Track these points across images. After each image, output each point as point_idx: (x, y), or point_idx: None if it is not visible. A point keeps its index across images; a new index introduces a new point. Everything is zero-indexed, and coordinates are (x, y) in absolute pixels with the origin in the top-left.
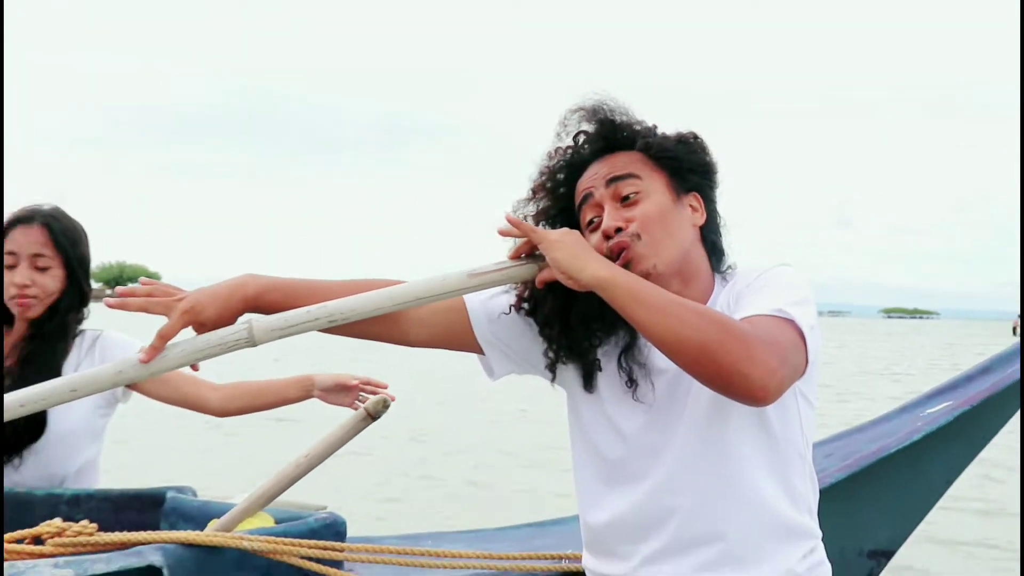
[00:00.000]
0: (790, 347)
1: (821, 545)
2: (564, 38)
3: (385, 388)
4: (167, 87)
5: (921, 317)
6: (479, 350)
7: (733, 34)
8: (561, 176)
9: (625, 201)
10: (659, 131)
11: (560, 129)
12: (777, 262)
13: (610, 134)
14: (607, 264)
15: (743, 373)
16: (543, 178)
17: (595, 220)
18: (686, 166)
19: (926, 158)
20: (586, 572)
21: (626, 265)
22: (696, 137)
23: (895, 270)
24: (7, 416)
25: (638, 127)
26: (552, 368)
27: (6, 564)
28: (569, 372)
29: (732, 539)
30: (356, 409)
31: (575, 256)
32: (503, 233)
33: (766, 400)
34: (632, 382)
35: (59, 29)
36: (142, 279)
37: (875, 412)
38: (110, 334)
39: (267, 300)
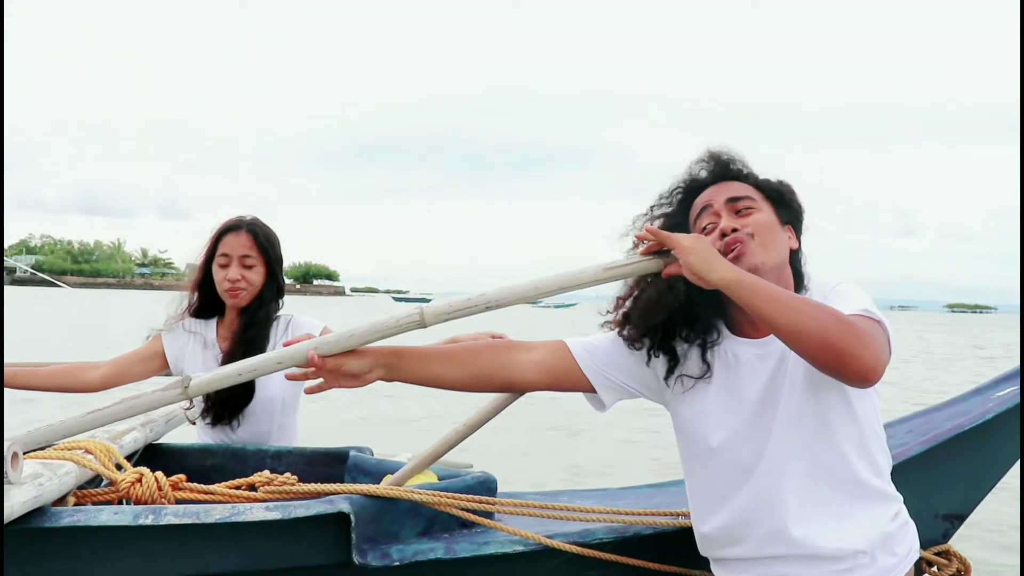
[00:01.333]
0: (883, 339)
1: (904, 508)
2: (685, 70)
3: None
4: (339, 121)
5: (980, 312)
6: (587, 385)
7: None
8: (679, 196)
9: (739, 213)
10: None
11: (690, 165)
12: (840, 279)
13: (728, 165)
14: (733, 267)
15: (857, 356)
16: (667, 196)
17: (709, 226)
18: (784, 204)
19: (970, 175)
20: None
21: (737, 260)
22: (789, 185)
23: (955, 271)
24: (232, 382)
25: (751, 169)
26: (648, 354)
27: (230, 505)
28: (664, 366)
29: (833, 510)
30: None
31: (705, 260)
32: (640, 238)
33: (875, 379)
34: (732, 378)
35: (261, 78)
36: None
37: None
38: (299, 317)
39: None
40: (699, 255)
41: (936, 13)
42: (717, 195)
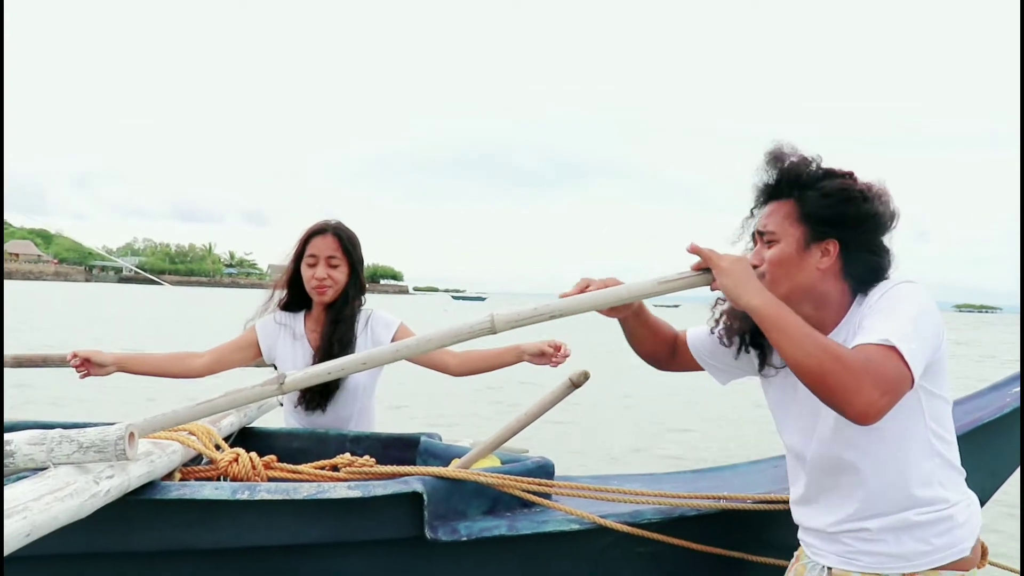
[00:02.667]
0: (893, 375)
1: (948, 504)
2: (708, 89)
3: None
4: (401, 136)
5: (987, 311)
6: (701, 368)
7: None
8: (756, 210)
9: (768, 243)
10: (822, 177)
11: (758, 169)
12: (902, 279)
13: (775, 188)
14: (760, 294)
15: (848, 402)
16: (754, 205)
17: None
18: (823, 220)
19: (977, 184)
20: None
21: None
22: (847, 190)
23: (964, 274)
24: (322, 380)
25: (803, 176)
26: (739, 349)
27: (316, 484)
28: (756, 356)
29: (858, 502)
30: (555, 365)
31: (736, 284)
32: (691, 252)
33: (867, 423)
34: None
35: (338, 96)
36: None
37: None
38: (378, 312)
39: None
40: (733, 278)
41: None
42: (758, 223)
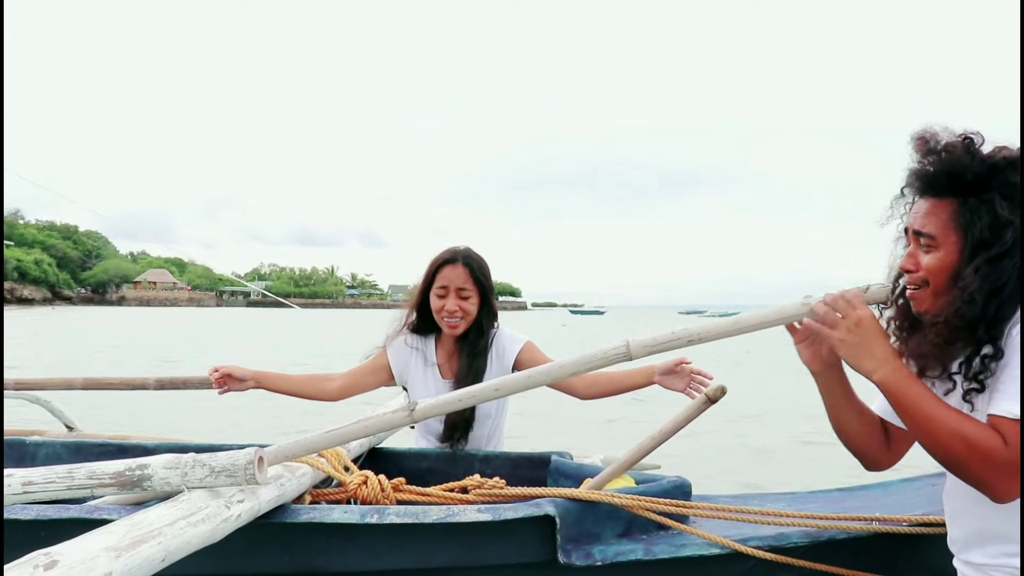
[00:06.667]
0: None
1: None
2: (815, 94)
3: (711, 379)
4: (506, 154)
5: None
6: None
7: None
8: (908, 199)
9: (926, 247)
10: (990, 176)
11: (911, 150)
12: None
13: (932, 182)
14: (883, 366)
15: (981, 486)
16: (901, 192)
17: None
18: (985, 244)
19: None
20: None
21: (910, 301)
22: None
23: None
24: (453, 408)
25: (968, 174)
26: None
27: (445, 507)
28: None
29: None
30: (688, 394)
31: (854, 356)
32: (827, 303)
33: (1006, 502)
34: None
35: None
36: None
37: None
38: (503, 331)
39: None
40: (850, 348)
41: None
42: (915, 220)
